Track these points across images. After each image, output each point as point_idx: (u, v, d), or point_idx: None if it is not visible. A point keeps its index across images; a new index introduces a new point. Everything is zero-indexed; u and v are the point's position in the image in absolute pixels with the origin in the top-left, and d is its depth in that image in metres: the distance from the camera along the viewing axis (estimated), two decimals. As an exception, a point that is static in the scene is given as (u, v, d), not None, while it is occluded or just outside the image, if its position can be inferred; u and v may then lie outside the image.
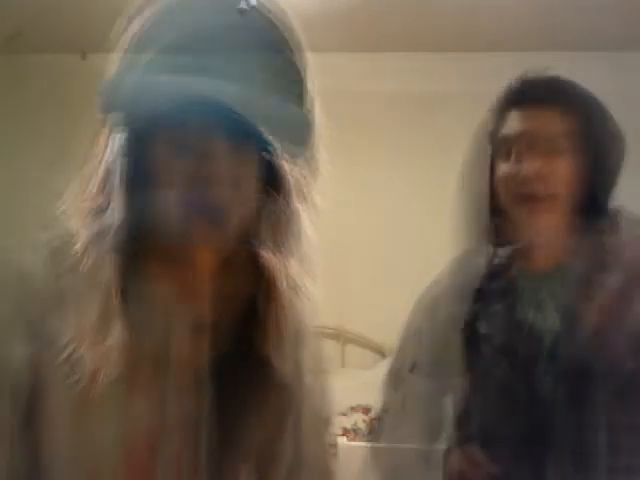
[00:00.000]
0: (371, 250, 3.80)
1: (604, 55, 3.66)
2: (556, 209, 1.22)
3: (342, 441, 2.38)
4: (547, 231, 1.23)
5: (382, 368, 3.43)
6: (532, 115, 1.24)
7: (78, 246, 0.80)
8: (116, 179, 0.81)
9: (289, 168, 0.83)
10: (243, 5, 0.86)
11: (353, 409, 3.39)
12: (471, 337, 1.26)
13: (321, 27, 3.61)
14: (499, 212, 1.26)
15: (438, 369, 1.32)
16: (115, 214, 0.80)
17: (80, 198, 0.82)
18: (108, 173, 0.81)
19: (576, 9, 3.35)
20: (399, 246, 3.80)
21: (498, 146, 1.27)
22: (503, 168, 1.24)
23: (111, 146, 0.81)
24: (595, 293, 1.18)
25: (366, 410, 3.41)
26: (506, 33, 3.61)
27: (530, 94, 1.25)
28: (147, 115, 0.78)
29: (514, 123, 1.25)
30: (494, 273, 1.28)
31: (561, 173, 1.22)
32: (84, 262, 0.79)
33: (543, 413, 1.18)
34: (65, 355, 0.78)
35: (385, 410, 1.42)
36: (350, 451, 2.40)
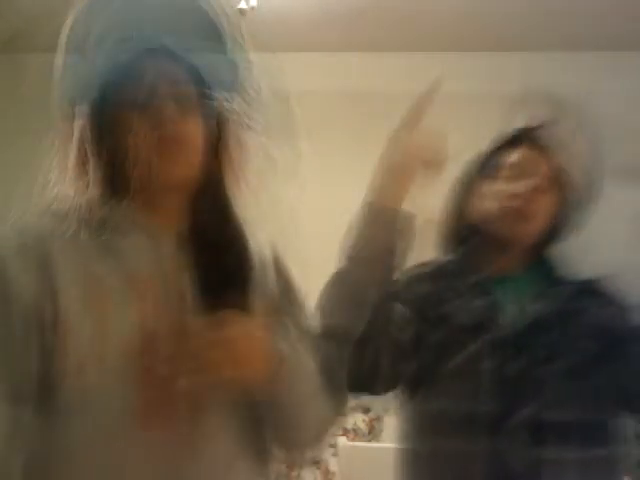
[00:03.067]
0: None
1: (604, 55, 3.66)
2: (534, 228, 1.39)
3: (342, 441, 2.39)
4: (522, 243, 1.41)
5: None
6: (525, 153, 1.42)
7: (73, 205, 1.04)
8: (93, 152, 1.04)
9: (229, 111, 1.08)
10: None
11: (353, 409, 3.40)
12: (448, 335, 1.36)
13: (322, 27, 3.62)
14: (470, 227, 1.45)
15: None
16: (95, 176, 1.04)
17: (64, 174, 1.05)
18: (83, 150, 1.04)
19: (576, 9, 3.35)
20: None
21: (488, 170, 1.44)
22: (492, 186, 1.42)
23: (79, 128, 1.03)
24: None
25: (366, 410, 3.42)
26: (506, 33, 3.61)
27: (526, 138, 1.44)
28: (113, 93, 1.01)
29: (507, 156, 1.43)
30: (464, 275, 1.42)
31: (545, 200, 1.39)
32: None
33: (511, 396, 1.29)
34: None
35: None
36: (350, 451, 2.41)
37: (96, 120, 1.04)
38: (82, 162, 1.05)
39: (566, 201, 1.41)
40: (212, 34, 1.05)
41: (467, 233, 1.45)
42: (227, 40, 1.06)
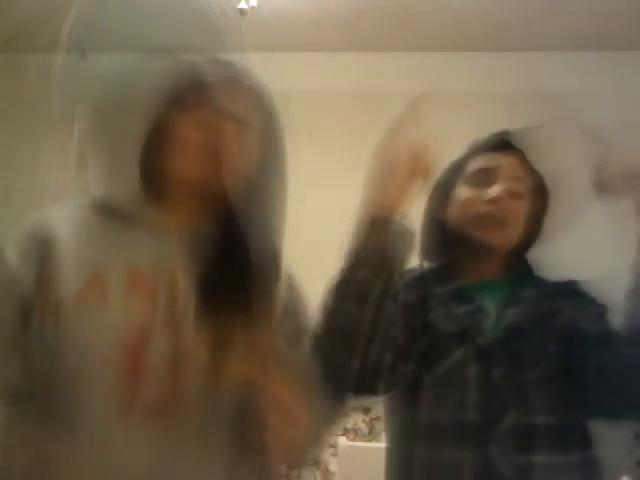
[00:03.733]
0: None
1: (604, 55, 3.66)
2: (512, 233, 1.39)
3: (342, 441, 2.39)
4: (501, 248, 1.41)
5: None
6: (501, 158, 1.42)
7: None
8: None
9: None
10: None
11: (353, 409, 3.40)
12: (432, 339, 1.36)
13: (322, 27, 3.62)
14: (449, 233, 1.44)
15: None
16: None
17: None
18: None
19: (575, 9, 3.35)
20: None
21: (464, 175, 1.44)
22: (468, 192, 1.42)
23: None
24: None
25: (366, 410, 3.42)
26: (506, 33, 3.61)
27: (503, 143, 1.44)
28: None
29: (483, 162, 1.43)
30: (446, 281, 1.43)
31: (521, 205, 1.39)
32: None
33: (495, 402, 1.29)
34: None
35: None
36: (350, 451, 2.41)
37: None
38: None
39: (546, 206, 1.41)
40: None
41: (447, 239, 1.45)
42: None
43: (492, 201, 1.37)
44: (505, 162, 1.41)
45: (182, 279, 1.04)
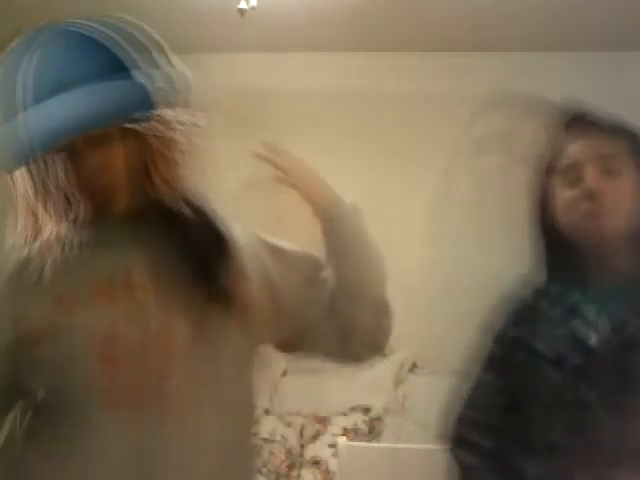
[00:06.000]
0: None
1: (604, 55, 3.66)
2: (618, 225, 1.29)
3: (342, 441, 2.39)
4: (610, 246, 1.30)
5: (382, 368, 3.45)
6: (590, 143, 1.32)
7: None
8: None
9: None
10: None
11: (353, 409, 3.40)
12: (528, 355, 1.32)
13: (322, 27, 3.62)
14: (558, 242, 1.35)
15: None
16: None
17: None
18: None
19: (575, 9, 3.35)
20: (400, 247, 3.80)
21: (558, 175, 1.34)
22: (566, 193, 1.32)
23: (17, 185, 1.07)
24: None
25: (366, 410, 3.42)
26: (506, 33, 3.61)
27: (583, 126, 1.35)
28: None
29: (573, 152, 1.33)
30: (548, 293, 1.35)
31: (623, 190, 1.30)
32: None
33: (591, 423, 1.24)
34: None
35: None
36: (350, 451, 2.40)
37: (30, 172, 1.07)
38: (31, 211, 1.09)
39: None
40: (121, 64, 1.04)
41: (555, 247, 1.36)
42: (138, 65, 1.05)
43: (593, 195, 1.27)
44: (595, 147, 1.31)
45: (142, 271, 1.08)
